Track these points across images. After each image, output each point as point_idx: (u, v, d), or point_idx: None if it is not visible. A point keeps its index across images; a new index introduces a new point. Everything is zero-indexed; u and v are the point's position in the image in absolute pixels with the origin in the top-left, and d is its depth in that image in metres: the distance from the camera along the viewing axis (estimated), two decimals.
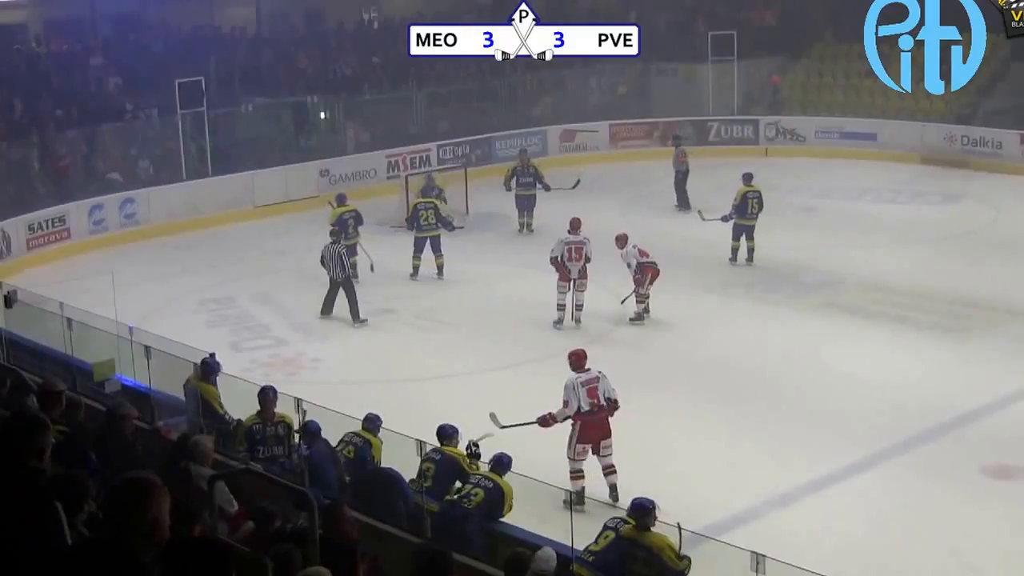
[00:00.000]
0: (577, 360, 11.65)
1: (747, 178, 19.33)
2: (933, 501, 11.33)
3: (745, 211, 18.93)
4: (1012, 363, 14.68)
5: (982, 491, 11.56)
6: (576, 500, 10.69)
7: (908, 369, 14.60)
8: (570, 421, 11.36)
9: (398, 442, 10.22)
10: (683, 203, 22.63)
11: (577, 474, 11.20)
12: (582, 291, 16.23)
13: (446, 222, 18.80)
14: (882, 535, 10.64)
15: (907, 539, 10.64)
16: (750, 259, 19.07)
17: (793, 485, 11.60)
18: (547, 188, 20.92)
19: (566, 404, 11.34)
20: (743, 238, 19.02)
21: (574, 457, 11.25)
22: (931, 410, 13.24)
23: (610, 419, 11.38)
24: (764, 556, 8.13)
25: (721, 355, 15.16)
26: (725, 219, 19.02)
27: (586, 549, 8.97)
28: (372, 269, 17.95)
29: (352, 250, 18.00)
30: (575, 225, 16.42)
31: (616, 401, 11.43)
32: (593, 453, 11.34)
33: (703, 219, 19.47)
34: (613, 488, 11.19)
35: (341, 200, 18.99)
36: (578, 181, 19.64)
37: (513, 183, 21.20)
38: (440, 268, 18.62)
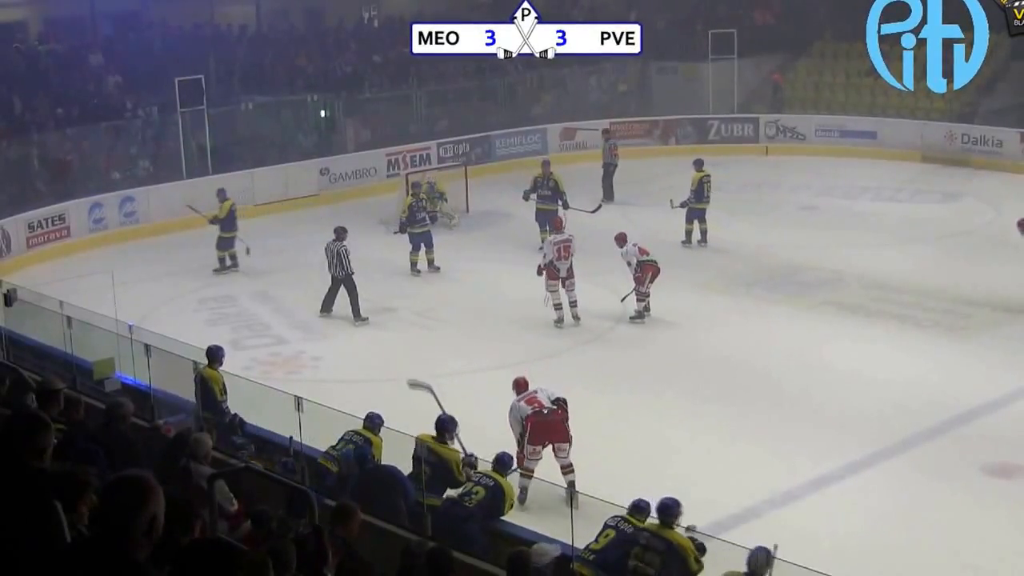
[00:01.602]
0: (518, 387, 11.58)
1: (699, 164, 20.24)
2: (934, 500, 11.32)
3: (702, 195, 19.94)
4: (1013, 361, 14.67)
5: (983, 490, 11.55)
6: (520, 497, 10.80)
7: (909, 368, 14.59)
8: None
9: (399, 441, 10.20)
10: (608, 196, 23.10)
11: (527, 473, 11.11)
12: (573, 289, 16.24)
13: (402, 224, 19.06)
14: (883, 533, 10.63)
15: (908, 537, 10.63)
16: (703, 240, 19.98)
17: (795, 483, 11.59)
18: (566, 205, 19.39)
19: (513, 429, 11.29)
20: (696, 221, 19.96)
21: (527, 456, 11.16)
22: (932, 409, 13.22)
23: (567, 423, 11.23)
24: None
25: (722, 354, 15.15)
26: (684, 204, 19.93)
27: (587, 548, 8.97)
28: (248, 252, 18.91)
29: (231, 242, 19.19)
30: (558, 225, 16.62)
31: (564, 400, 11.29)
32: (552, 452, 11.26)
33: (672, 207, 19.92)
34: (571, 486, 11.06)
35: (223, 195, 19.62)
36: (600, 206, 19.56)
37: (533, 196, 20.05)
38: (429, 263, 18.92)
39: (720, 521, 10.24)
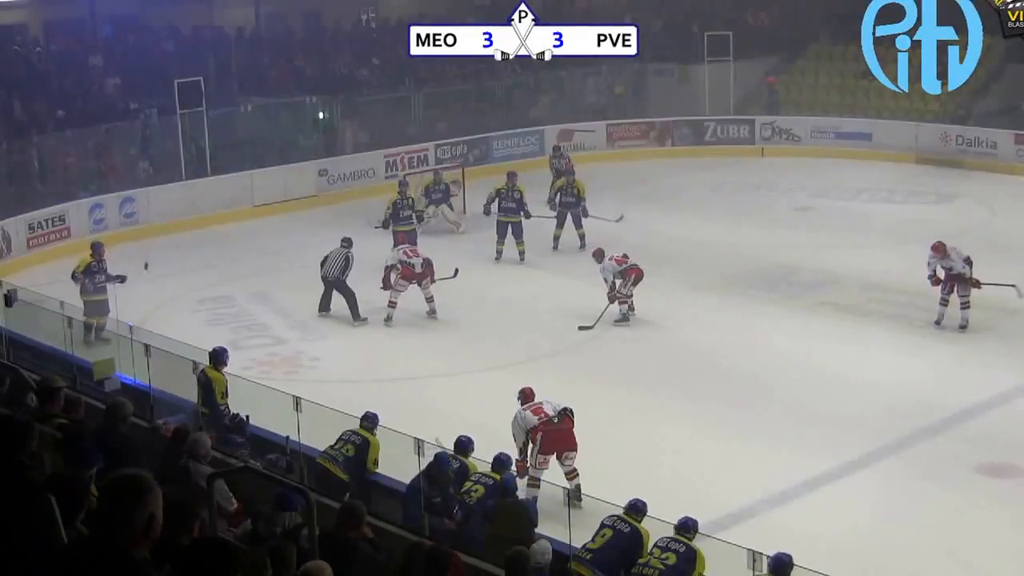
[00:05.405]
0: (524, 397, 11.62)
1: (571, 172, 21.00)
2: (929, 500, 11.39)
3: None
4: (1007, 362, 14.75)
5: (977, 490, 11.63)
6: None
7: (903, 368, 14.65)
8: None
9: (396, 441, 10.27)
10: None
11: (534, 482, 11.11)
12: (430, 288, 16.54)
13: (384, 220, 19.16)
14: (878, 533, 10.70)
15: (903, 537, 10.71)
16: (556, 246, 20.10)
17: (790, 484, 11.65)
18: (527, 215, 19.61)
19: (515, 437, 11.32)
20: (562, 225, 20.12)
21: (536, 465, 11.15)
22: (927, 409, 13.30)
23: (573, 430, 11.30)
24: (761, 554, 8.21)
25: (718, 354, 15.21)
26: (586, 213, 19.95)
27: (584, 547, 9.04)
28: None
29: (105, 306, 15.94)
30: (400, 240, 17.44)
31: (571, 410, 11.33)
32: (557, 459, 11.28)
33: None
34: (577, 489, 11.12)
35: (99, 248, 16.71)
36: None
37: (494, 207, 19.84)
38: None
39: (716, 520, 10.30)
